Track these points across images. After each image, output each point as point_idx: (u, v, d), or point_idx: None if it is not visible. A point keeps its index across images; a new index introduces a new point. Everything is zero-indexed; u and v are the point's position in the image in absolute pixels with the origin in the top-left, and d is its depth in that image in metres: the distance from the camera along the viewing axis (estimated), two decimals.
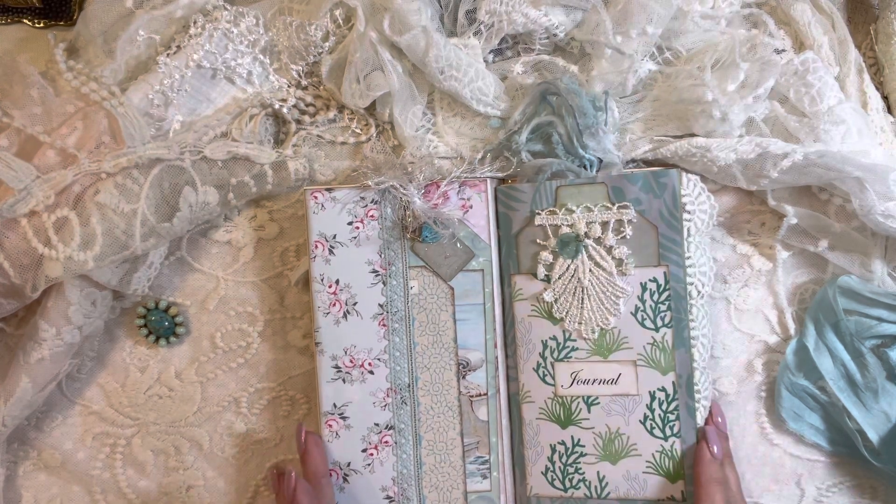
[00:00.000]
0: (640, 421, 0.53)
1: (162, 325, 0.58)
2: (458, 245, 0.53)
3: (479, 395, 0.54)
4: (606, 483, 0.53)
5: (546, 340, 0.54)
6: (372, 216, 0.54)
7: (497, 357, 0.54)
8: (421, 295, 0.54)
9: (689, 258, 0.52)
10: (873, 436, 0.53)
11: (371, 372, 0.55)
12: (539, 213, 0.53)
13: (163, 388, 0.60)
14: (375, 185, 0.54)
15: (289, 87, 0.57)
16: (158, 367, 0.60)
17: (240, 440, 0.60)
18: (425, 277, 0.54)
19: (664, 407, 0.52)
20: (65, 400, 0.60)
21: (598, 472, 0.53)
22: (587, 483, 0.54)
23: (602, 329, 0.53)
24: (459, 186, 0.54)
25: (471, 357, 0.54)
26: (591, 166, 0.53)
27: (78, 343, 0.55)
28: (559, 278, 0.53)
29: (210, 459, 0.60)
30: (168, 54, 0.55)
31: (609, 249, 0.53)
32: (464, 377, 0.54)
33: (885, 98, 0.57)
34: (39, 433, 0.60)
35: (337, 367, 0.55)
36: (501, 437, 0.55)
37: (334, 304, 0.55)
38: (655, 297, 0.52)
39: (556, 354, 0.54)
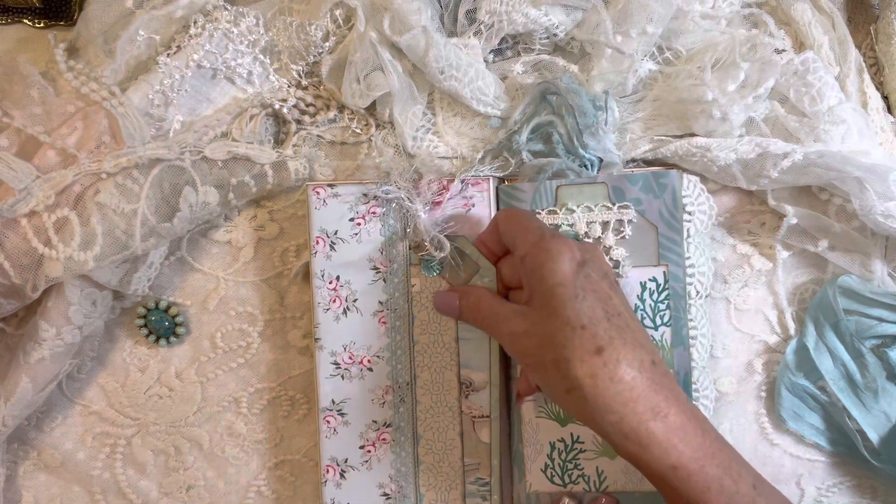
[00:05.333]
0: None
1: (162, 325, 0.58)
2: (463, 258, 0.53)
3: (482, 416, 0.54)
4: (605, 477, 0.53)
5: None
6: (374, 213, 0.54)
7: (498, 380, 0.54)
8: (422, 293, 0.54)
9: (688, 258, 0.53)
10: (873, 436, 0.53)
11: (370, 369, 0.55)
12: (539, 213, 0.53)
13: (163, 388, 0.60)
14: (383, 193, 0.54)
15: (289, 87, 0.57)
16: (158, 367, 0.60)
17: (240, 440, 0.60)
18: (428, 278, 0.54)
19: None
20: (65, 400, 0.60)
21: (597, 468, 0.53)
22: (586, 478, 0.54)
23: None
24: (462, 185, 0.54)
25: (474, 378, 0.54)
26: (591, 166, 0.53)
27: (78, 343, 0.55)
28: None
29: (210, 459, 0.60)
30: (168, 54, 0.55)
31: (608, 250, 0.53)
32: (466, 397, 0.54)
33: (885, 98, 0.57)
34: (39, 433, 0.60)
35: (336, 363, 0.55)
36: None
37: (334, 301, 0.55)
38: (654, 296, 0.52)
39: None
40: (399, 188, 0.54)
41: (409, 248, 0.54)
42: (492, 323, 0.47)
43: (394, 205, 0.54)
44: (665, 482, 0.41)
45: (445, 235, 0.53)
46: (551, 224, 0.53)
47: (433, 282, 0.54)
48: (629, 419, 0.41)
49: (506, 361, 0.55)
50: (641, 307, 0.52)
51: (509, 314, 0.46)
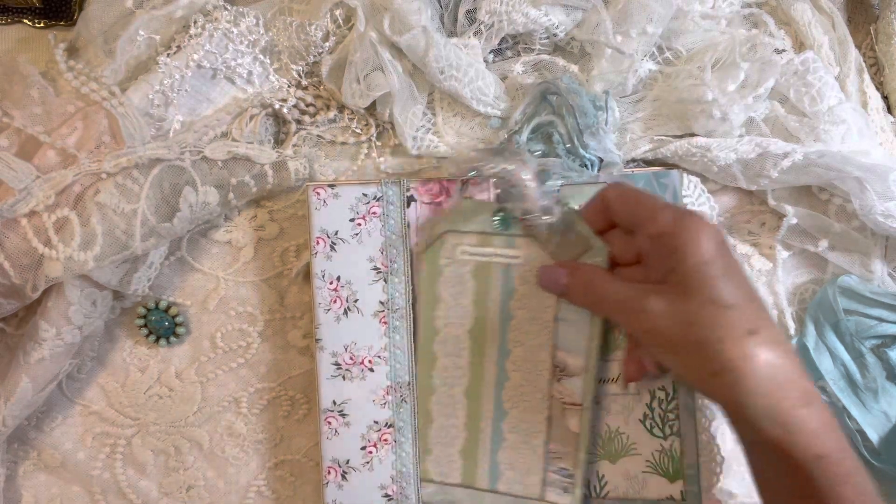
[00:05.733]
0: (639, 420, 0.53)
1: (162, 325, 0.58)
2: (575, 232, 0.49)
3: (573, 404, 0.52)
4: (606, 482, 0.53)
5: None
6: (374, 213, 0.54)
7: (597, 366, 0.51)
8: (525, 266, 0.52)
9: None
10: (873, 436, 0.54)
11: (371, 369, 0.55)
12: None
13: (163, 388, 0.60)
14: (488, 171, 0.51)
15: (289, 87, 0.57)
16: (158, 367, 0.59)
17: (240, 440, 0.60)
18: (533, 250, 0.52)
19: (664, 406, 0.52)
20: (65, 400, 0.60)
21: (597, 471, 0.53)
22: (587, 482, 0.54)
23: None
24: (462, 184, 0.54)
25: (569, 362, 0.51)
26: (592, 166, 0.53)
27: (78, 343, 0.55)
28: None
29: (210, 459, 0.60)
30: (168, 54, 0.55)
31: None
32: (558, 381, 0.52)
33: (885, 98, 0.57)
34: (39, 433, 0.60)
35: (337, 364, 0.55)
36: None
37: (335, 301, 0.55)
38: None
39: None
40: (503, 160, 0.51)
41: (519, 218, 0.51)
42: (609, 303, 0.45)
43: (394, 206, 0.54)
44: (804, 471, 0.40)
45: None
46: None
47: (537, 254, 0.52)
48: (781, 403, 0.39)
49: (604, 349, 0.52)
50: None
51: (639, 294, 0.43)
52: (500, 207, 0.52)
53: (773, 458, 0.41)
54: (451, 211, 0.54)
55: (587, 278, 0.47)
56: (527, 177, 0.50)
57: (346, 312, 0.55)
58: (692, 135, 0.55)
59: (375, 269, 0.54)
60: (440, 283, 0.54)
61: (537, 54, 0.56)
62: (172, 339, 0.59)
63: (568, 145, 0.54)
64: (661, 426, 0.52)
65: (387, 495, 0.55)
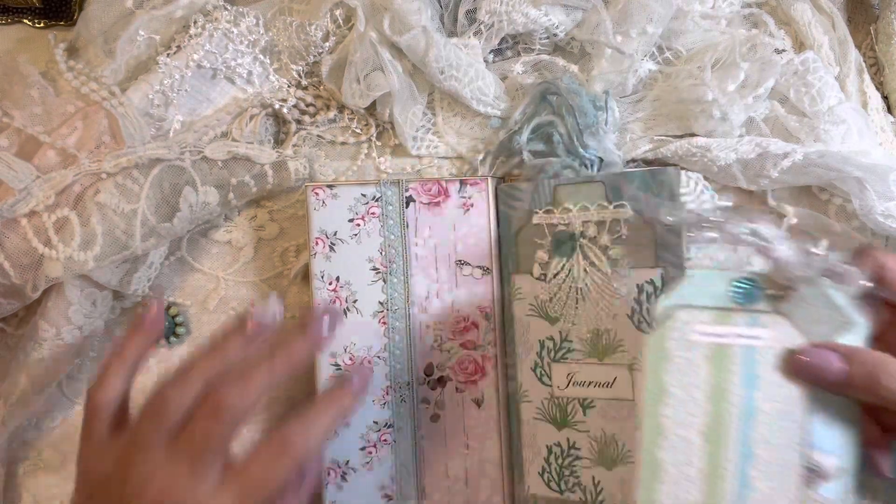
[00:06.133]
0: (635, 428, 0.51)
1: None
2: (832, 305, 0.41)
3: None
4: (601, 489, 0.52)
5: (543, 340, 0.54)
6: (373, 213, 0.54)
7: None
8: (773, 348, 0.41)
9: (689, 259, 0.52)
10: None
11: (370, 370, 0.55)
12: (537, 212, 0.53)
13: None
14: (741, 232, 0.44)
15: (289, 87, 0.57)
16: (158, 367, 0.59)
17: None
18: (782, 329, 0.42)
19: None
20: (65, 400, 0.60)
21: (593, 477, 0.52)
22: (582, 487, 0.53)
23: (597, 331, 0.52)
24: (461, 185, 0.54)
25: (826, 462, 0.41)
26: (591, 166, 0.53)
27: (78, 343, 0.55)
28: (554, 277, 0.53)
29: None
30: (168, 54, 0.55)
31: (604, 249, 0.52)
32: (812, 487, 0.41)
33: (885, 98, 0.57)
34: (39, 433, 0.60)
35: (336, 364, 0.55)
36: None
37: (334, 302, 0.55)
38: (652, 299, 0.50)
39: (552, 355, 0.53)
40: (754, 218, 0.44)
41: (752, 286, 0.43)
42: None
43: (392, 206, 0.54)
44: None
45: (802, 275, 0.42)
46: (548, 223, 0.53)
47: (787, 334, 0.41)
48: None
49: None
50: (638, 311, 0.51)
51: None
52: (745, 276, 0.43)
53: None
54: (680, 281, 0.46)
55: (883, 366, 0.38)
56: (781, 238, 0.43)
57: (345, 313, 0.55)
58: (692, 135, 0.55)
59: (374, 269, 0.54)
60: (667, 371, 0.43)
61: (537, 54, 0.56)
62: (172, 339, 0.59)
63: (568, 145, 0.54)
64: None
65: (387, 496, 0.55)
